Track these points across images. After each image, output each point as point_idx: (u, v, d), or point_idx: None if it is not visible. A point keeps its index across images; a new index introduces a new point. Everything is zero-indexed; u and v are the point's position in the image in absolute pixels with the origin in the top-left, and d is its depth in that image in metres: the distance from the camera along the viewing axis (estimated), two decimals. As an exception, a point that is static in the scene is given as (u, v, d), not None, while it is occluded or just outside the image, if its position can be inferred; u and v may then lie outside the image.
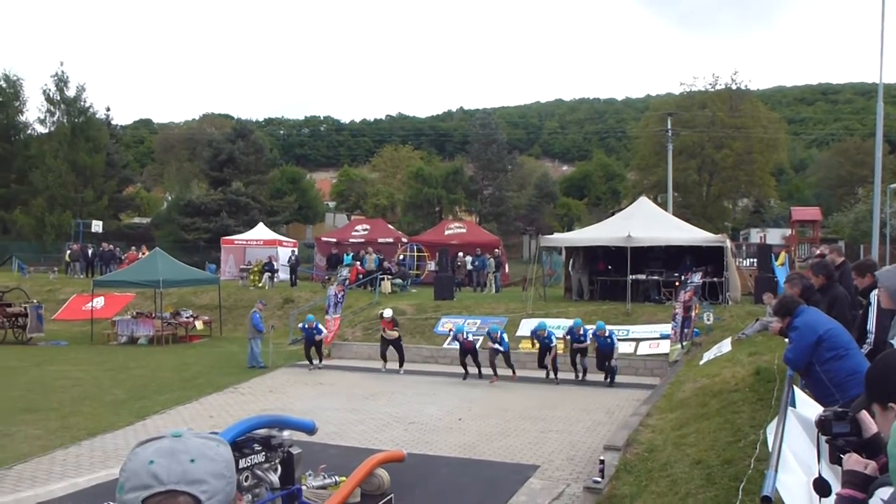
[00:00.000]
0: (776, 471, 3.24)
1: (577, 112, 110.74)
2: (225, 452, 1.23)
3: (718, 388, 10.21)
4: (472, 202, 56.55)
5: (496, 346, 15.90)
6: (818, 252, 13.44)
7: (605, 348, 15.74)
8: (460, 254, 30.40)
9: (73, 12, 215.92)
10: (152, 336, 22.33)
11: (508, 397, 14.07)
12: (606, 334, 15.71)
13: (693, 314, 17.00)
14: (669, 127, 42.26)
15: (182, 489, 1.14)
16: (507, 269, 32.86)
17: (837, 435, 2.25)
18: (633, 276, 20.81)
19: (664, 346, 17.10)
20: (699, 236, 22.10)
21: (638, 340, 18.02)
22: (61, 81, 49.49)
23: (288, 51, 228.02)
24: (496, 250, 30.68)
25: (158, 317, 23.11)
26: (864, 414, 2.25)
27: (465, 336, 16.43)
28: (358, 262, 28.52)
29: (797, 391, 5.00)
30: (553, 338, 16.29)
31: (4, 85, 50.39)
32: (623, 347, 17.86)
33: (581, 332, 15.96)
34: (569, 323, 19.24)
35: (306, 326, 17.86)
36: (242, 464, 6.04)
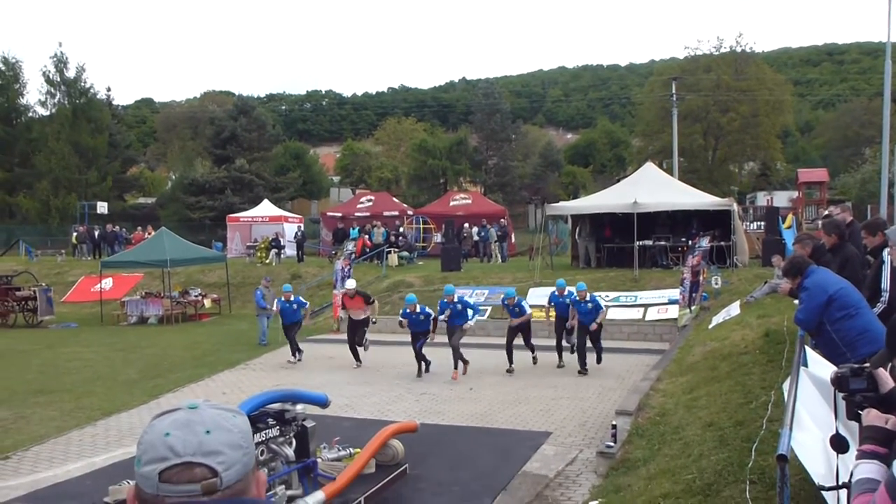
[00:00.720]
0: (791, 429, 3.24)
1: (580, 79, 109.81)
2: (241, 423, 1.22)
3: (728, 351, 10.23)
4: (477, 173, 56.39)
5: (467, 320, 13.22)
6: (826, 212, 13.38)
7: (586, 315, 13.07)
8: (466, 225, 30.36)
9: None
10: (162, 315, 22.44)
11: (520, 365, 14.11)
12: (587, 298, 13.12)
13: (701, 279, 16.99)
14: (674, 92, 41.88)
15: (198, 461, 1.13)
16: (513, 239, 32.83)
17: (854, 391, 2.23)
18: (640, 243, 20.77)
19: (673, 312, 17.11)
20: (706, 200, 22.01)
21: (646, 306, 18.03)
22: (60, 62, 49.31)
23: (287, 25, 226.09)
24: (502, 220, 30.63)
25: (167, 296, 23.21)
26: (881, 370, 2.24)
27: (416, 311, 13.33)
28: (366, 236, 28.54)
29: (809, 351, 5.00)
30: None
31: (3, 68, 50.20)
32: (631, 313, 17.90)
33: (565, 293, 13.79)
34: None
35: (284, 301, 15.17)
36: (257, 438, 6.08)
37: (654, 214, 21.41)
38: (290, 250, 31.04)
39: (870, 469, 1.91)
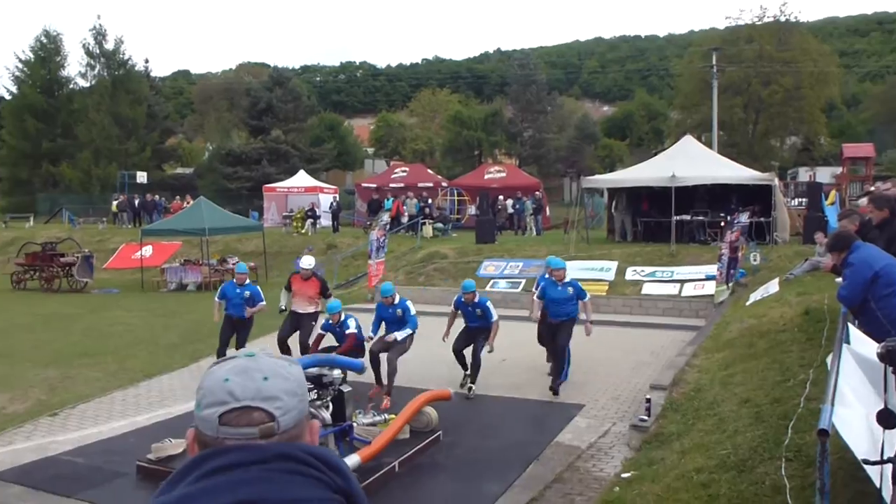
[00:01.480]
0: (833, 405, 3.21)
1: (617, 50, 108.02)
2: (297, 372, 1.26)
3: (766, 329, 10.12)
4: (512, 145, 56.01)
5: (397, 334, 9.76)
6: (871, 189, 13.06)
7: (563, 306, 10.05)
8: (500, 197, 30.29)
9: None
10: (200, 282, 22.82)
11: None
12: (566, 280, 10.12)
13: (739, 255, 16.76)
14: (714, 63, 40.99)
15: (257, 405, 1.17)
16: (548, 213, 32.66)
17: None
18: (678, 217, 20.51)
19: (709, 288, 16.91)
20: (746, 175, 21.60)
21: (683, 282, 17.85)
22: (100, 35, 49.90)
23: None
24: (537, 193, 30.47)
25: (205, 264, 23.57)
26: None
27: (472, 302, 10.01)
28: (401, 202, 28.82)
29: (851, 328, 4.92)
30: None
31: (45, 40, 50.94)
32: (667, 289, 17.74)
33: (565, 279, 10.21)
34: (612, 266, 19.20)
35: (232, 284, 11.17)
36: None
37: (693, 189, 21.09)
38: (326, 220, 31.29)
39: None
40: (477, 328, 9.97)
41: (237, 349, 9.91)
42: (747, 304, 13.40)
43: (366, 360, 9.30)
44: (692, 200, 21.82)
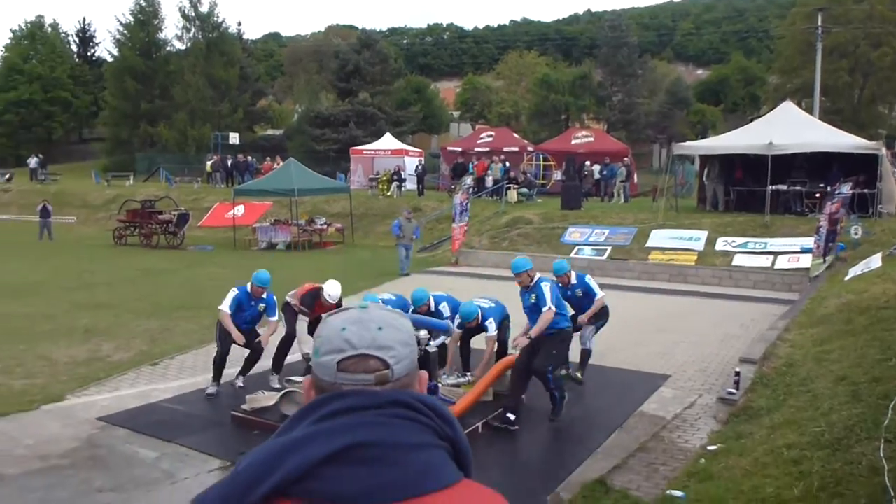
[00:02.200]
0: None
1: (713, 11, 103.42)
2: (408, 324, 1.32)
3: (866, 305, 9.68)
4: (601, 109, 54.75)
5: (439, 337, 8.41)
6: None
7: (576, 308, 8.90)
8: (587, 163, 29.79)
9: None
10: (289, 242, 23.49)
11: (638, 308, 13.92)
12: (573, 280, 8.93)
13: (839, 227, 16.04)
14: (819, 24, 38.81)
15: (372, 353, 1.23)
16: (635, 179, 31.95)
17: None
18: (774, 187, 19.70)
19: (805, 261, 16.28)
20: (850, 142, 20.47)
21: (776, 254, 17.25)
22: (195, -2, 51.28)
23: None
24: (625, 159, 29.82)
25: (294, 224, 24.22)
26: None
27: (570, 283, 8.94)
28: (486, 165, 28.91)
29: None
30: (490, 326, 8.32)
31: (144, 4, 52.72)
32: (760, 261, 17.19)
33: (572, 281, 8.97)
34: (701, 235, 18.66)
35: (245, 292, 8.73)
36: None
37: (791, 157, 20.16)
38: (411, 184, 31.53)
39: None
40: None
41: (241, 374, 8.58)
42: (846, 279, 12.85)
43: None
44: (789, 169, 20.89)
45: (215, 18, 51.66)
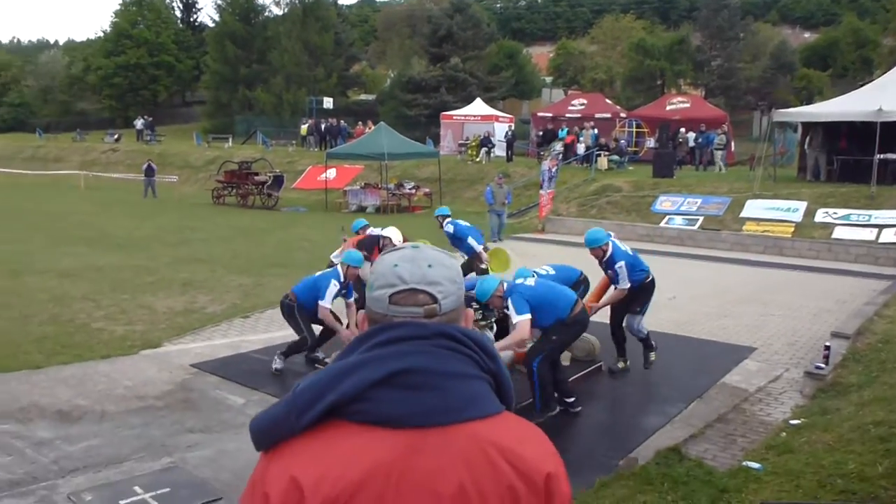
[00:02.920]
0: None
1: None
2: (456, 264, 1.41)
3: (976, 281, 9.14)
4: (698, 74, 52.78)
5: None
6: None
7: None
8: (682, 130, 28.89)
9: None
10: (379, 205, 23.89)
11: (728, 279, 13.55)
12: (609, 254, 7.40)
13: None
14: (945, -18, 36.05)
15: (422, 288, 1.32)
16: (733, 147, 30.79)
17: None
18: (882, 156, 18.59)
19: (913, 234, 15.42)
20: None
21: (881, 227, 16.37)
22: (292, -38, 52.15)
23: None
24: (722, 126, 28.75)
25: (384, 188, 24.59)
26: None
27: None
28: (576, 135, 28.40)
29: None
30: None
31: (244, -31, 54.08)
32: (863, 234, 16.38)
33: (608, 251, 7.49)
34: (800, 206, 17.86)
35: (337, 272, 7.55)
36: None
37: (902, 124, 18.97)
38: (500, 150, 31.40)
39: None
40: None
41: (312, 352, 7.95)
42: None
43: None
44: (901, 138, 19.66)
45: (311, -17, 52.48)
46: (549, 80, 62.25)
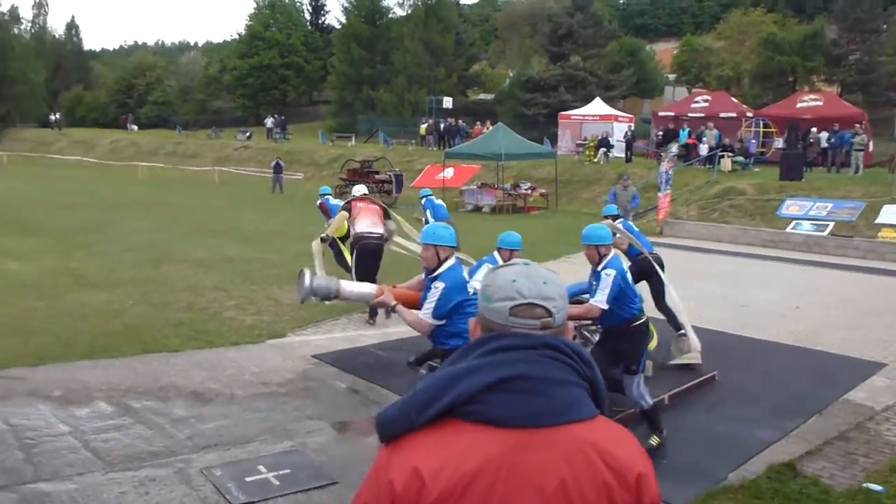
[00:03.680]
0: None
1: None
2: (562, 282, 1.57)
3: None
4: (834, 70, 49.78)
5: None
6: None
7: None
8: (813, 129, 27.46)
9: None
10: (494, 205, 24.08)
11: (858, 289, 12.87)
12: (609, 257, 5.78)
13: None
14: None
15: (539, 303, 1.48)
16: (870, 148, 28.96)
17: None
18: None
19: None
20: None
21: None
22: (415, -35, 53.25)
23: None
24: (858, 125, 27.11)
25: (500, 188, 24.75)
26: None
27: None
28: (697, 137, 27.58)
29: None
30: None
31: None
32: None
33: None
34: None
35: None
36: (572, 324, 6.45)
37: None
38: (619, 151, 30.90)
39: None
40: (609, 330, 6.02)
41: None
42: None
43: None
44: None
45: (435, -16, 53.36)
46: (672, 77, 60.51)
